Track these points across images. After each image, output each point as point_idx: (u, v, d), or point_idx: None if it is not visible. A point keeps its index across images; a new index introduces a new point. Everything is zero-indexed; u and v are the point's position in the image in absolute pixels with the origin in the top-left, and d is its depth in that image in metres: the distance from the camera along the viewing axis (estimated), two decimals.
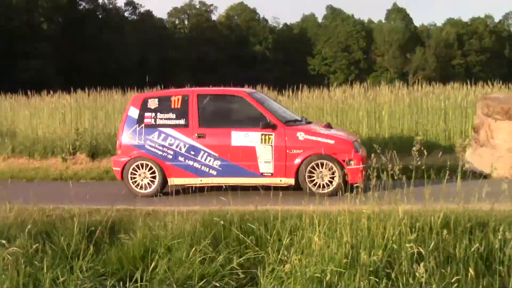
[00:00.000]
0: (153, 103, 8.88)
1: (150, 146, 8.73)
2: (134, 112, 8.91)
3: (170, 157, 8.67)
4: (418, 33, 77.62)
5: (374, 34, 73.99)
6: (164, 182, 8.74)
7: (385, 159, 5.75)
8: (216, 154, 8.50)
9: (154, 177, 8.76)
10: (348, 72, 70.40)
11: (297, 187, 8.35)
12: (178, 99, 8.81)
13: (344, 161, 8.22)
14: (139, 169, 8.80)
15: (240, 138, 8.48)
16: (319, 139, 8.40)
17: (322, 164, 8.31)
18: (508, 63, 73.24)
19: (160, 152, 8.69)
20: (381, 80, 18.32)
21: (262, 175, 8.43)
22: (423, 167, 5.74)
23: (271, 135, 8.40)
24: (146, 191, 8.77)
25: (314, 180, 8.34)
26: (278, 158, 8.38)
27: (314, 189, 8.29)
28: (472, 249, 4.58)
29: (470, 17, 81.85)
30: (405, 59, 69.31)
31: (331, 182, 8.30)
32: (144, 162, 8.75)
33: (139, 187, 8.82)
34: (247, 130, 8.49)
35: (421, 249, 4.47)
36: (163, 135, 8.70)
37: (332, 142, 8.38)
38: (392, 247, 4.60)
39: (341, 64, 72.75)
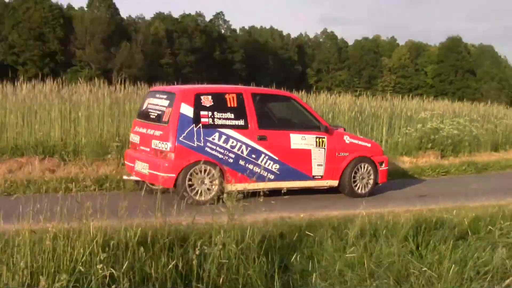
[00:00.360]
0: (207, 101, 8.88)
1: (211, 149, 8.78)
2: (187, 110, 8.74)
3: (231, 160, 8.88)
4: (125, 26, 79.40)
5: (74, 22, 73.09)
6: (222, 188, 8.60)
7: (78, 168, 5.67)
8: (277, 158, 9.12)
9: (211, 183, 8.78)
10: (41, 64, 68.19)
11: None
12: (233, 97, 9.04)
13: (378, 162, 9.96)
14: (194, 174, 8.69)
15: (298, 140, 9.35)
16: (360, 142, 10.06)
17: (361, 166, 9.80)
18: (218, 65, 79.89)
19: (221, 156, 8.82)
20: (81, 77, 18.09)
21: (313, 178, 9.51)
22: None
23: (324, 138, 9.52)
24: (206, 198, 8.66)
25: (356, 182, 9.76)
26: (329, 161, 9.56)
27: (359, 191, 9.79)
28: (170, 267, 4.78)
29: (181, 13, 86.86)
30: (109, 54, 70.07)
31: (368, 183, 9.87)
32: (204, 166, 8.69)
33: (198, 194, 8.72)
34: (304, 133, 9.45)
35: (113, 270, 4.50)
36: (224, 137, 8.84)
37: (369, 145, 10.17)
38: (79, 270, 4.53)
39: (33, 54, 70.21)
